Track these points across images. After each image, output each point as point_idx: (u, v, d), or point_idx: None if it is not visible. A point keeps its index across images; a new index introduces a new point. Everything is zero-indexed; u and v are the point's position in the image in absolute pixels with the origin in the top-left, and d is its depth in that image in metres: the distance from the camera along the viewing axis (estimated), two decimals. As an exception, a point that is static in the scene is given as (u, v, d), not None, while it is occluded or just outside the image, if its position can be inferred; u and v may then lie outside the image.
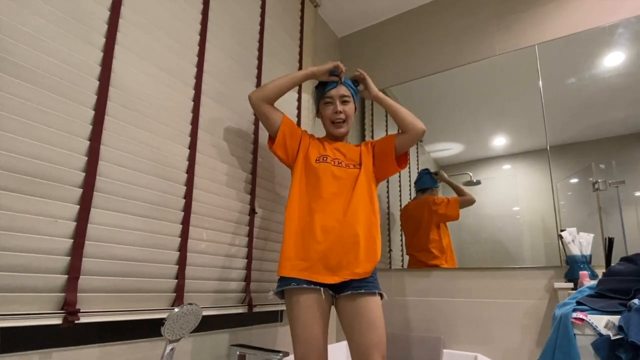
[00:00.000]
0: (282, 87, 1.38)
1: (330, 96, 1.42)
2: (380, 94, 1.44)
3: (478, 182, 1.92)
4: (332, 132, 1.44)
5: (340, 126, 1.42)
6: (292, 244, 1.28)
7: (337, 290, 1.27)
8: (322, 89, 1.45)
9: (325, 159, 1.37)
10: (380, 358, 1.18)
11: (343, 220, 1.27)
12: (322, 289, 1.23)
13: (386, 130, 2.28)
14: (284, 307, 1.67)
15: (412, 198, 2.10)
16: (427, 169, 2.08)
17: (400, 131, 1.41)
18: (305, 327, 1.21)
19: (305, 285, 1.22)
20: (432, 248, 1.96)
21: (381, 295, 1.27)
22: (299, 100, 1.96)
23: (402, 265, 2.03)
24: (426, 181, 2.07)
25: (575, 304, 1.17)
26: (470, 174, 1.95)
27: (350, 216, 1.28)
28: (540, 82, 1.83)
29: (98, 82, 1.04)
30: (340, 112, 1.40)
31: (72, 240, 0.94)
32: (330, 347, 1.77)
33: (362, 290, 1.22)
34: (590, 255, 1.51)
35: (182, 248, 1.23)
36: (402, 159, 1.43)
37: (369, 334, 1.19)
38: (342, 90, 1.42)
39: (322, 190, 1.31)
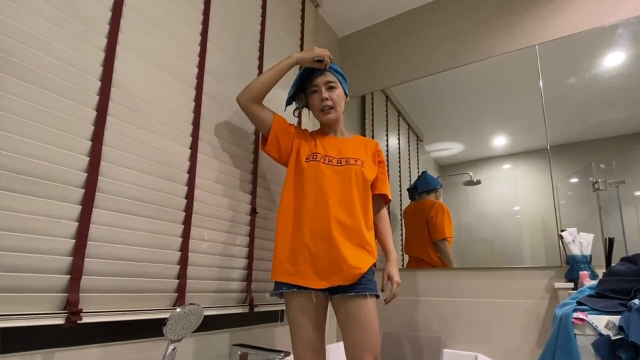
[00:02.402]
0: (268, 81, 1.35)
1: (316, 84, 1.38)
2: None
3: (478, 182, 1.93)
4: (322, 119, 1.41)
5: (328, 112, 1.38)
6: (282, 247, 1.27)
7: (330, 290, 1.26)
8: (308, 80, 1.42)
9: (315, 157, 1.33)
10: (373, 358, 1.18)
11: (332, 223, 1.24)
12: (312, 292, 1.23)
13: (386, 130, 2.28)
14: (284, 307, 1.67)
15: (418, 198, 2.09)
16: (425, 171, 2.09)
17: (377, 209, 1.45)
18: (300, 328, 1.22)
19: (295, 289, 1.23)
20: (430, 250, 1.97)
21: (376, 296, 1.26)
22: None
23: (402, 265, 2.04)
24: (430, 182, 2.06)
25: (575, 304, 1.18)
26: (470, 174, 1.95)
27: (340, 219, 1.26)
28: (541, 82, 1.84)
29: (100, 83, 1.04)
30: (327, 98, 1.37)
31: (74, 241, 0.94)
32: (330, 346, 1.77)
33: (352, 293, 1.22)
34: (591, 255, 1.51)
35: (184, 248, 1.23)
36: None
37: (360, 336, 1.19)
38: (328, 76, 1.38)
39: (311, 191, 1.28)
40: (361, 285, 1.23)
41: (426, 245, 1.99)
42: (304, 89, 1.46)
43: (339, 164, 1.34)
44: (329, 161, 1.34)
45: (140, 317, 1.07)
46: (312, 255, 1.23)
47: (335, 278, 1.22)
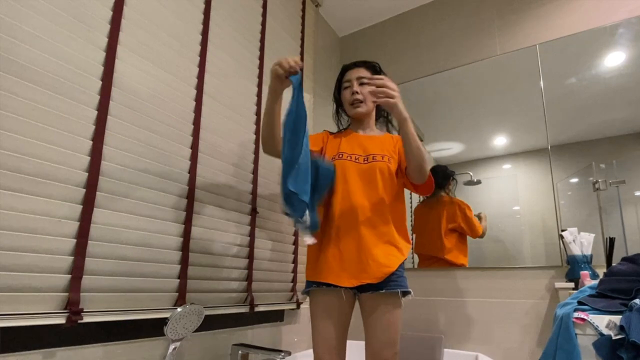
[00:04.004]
0: (271, 121, 1.22)
1: (348, 80, 1.39)
2: (408, 120, 1.19)
3: (478, 182, 1.93)
4: (351, 113, 1.40)
5: (358, 106, 1.37)
6: (314, 247, 1.27)
7: (359, 288, 1.24)
8: (340, 77, 1.44)
9: (341, 156, 1.33)
10: (393, 354, 1.19)
11: (359, 221, 1.24)
12: (342, 290, 1.23)
13: (387, 130, 2.27)
14: (285, 307, 1.68)
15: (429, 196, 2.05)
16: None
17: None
18: (322, 328, 1.22)
19: (325, 287, 1.23)
20: (442, 246, 1.95)
21: (405, 293, 1.22)
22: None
23: (413, 265, 2.03)
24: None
25: (576, 304, 1.18)
26: (471, 174, 1.95)
27: (368, 216, 1.25)
28: (542, 82, 1.84)
29: (100, 82, 1.04)
30: (357, 92, 1.36)
31: (75, 240, 0.94)
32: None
33: (383, 290, 1.20)
34: (591, 255, 1.51)
35: (184, 248, 1.23)
36: (419, 188, 1.31)
37: (383, 332, 1.19)
38: (361, 72, 1.39)
39: (337, 190, 1.28)
40: (392, 283, 1.21)
41: (440, 240, 1.95)
42: (338, 91, 1.47)
43: (365, 162, 1.32)
44: (355, 159, 1.32)
45: (141, 317, 1.07)
46: (340, 253, 1.23)
47: (365, 276, 1.20)
